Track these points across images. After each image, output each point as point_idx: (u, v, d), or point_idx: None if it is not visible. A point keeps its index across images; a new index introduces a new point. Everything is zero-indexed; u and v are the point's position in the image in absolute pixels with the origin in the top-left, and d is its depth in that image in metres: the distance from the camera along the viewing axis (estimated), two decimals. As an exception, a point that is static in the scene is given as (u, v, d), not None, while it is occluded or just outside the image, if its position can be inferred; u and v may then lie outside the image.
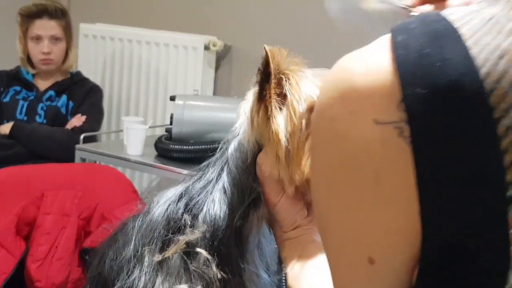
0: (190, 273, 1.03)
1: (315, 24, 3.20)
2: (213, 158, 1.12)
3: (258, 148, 1.06)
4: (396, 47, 0.56)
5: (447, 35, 0.54)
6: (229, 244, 1.03)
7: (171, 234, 1.04)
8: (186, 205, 1.05)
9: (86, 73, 3.40)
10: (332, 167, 0.61)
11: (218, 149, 1.15)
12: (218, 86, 3.43)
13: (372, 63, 0.58)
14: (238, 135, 1.09)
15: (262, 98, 1.06)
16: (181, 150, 2.75)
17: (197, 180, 1.09)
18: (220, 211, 1.04)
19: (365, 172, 0.58)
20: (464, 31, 0.54)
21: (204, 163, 1.13)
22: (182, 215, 1.05)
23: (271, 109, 1.04)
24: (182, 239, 1.02)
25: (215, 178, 1.07)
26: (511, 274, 0.53)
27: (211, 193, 1.06)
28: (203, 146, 2.73)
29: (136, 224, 1.09)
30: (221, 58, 3.42)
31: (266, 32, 3.32)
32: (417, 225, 0.55)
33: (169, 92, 3.38)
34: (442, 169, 0.53)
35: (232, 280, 1.03)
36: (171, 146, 2.78)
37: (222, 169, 1.08)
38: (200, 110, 2.85)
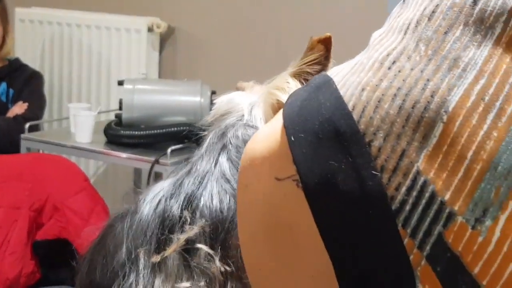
0: (192, 270, 0.98)
1: (258, 3, 3.17)
2: (203, 148, 1.06)
3: None
4: (285, 109, 0.62)
5: (323, 85, 0.61)
6: (235, 235, 0.99)
7: (168, 232, 0.99)
8: (184, 200, 1.00)
9: (24, 60, 3.29)
10: (255, 235, 0.65)
11: (206, 138, 1.08)
12: (163, 68, 3.36)
13: (268, 129, 0.65)
14: (240, 120, 1.04)
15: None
16: (133, 135, 2.70)
17: (188, 173, 1.04)
18: (221, 203, 0.99)
19: (282, 232, 0.62)
20: (336, 79, 0.61)
21: (193, 154, 1.08)
22: (181, 211, 0.99)
23: None
24: (183, 237, 0.97)
25: (212, 168, 1.02)
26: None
27: (207, 185, 1.01)
28: (155, 131, 2.69)
29: (125, 225, 1.03)
30: (165, 40, 3.36)
31: (210, 12, 3.27)
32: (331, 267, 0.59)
33: (113, 76, 3.31)
34: (327, 205, 0.58)
35: (235, 273, 1.00)
36: (122, 132, 2.72)
37: (217, 158, 1.03)
38: (150, 94, 2.80)
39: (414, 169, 0.56)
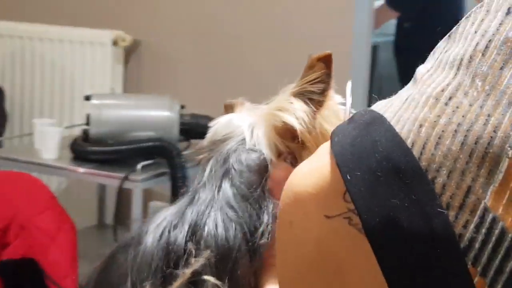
0: None
1: (226, 16, 3.15)
2: (205, 175, 1.02)
3: (265, 157, 0.99)
4: (333, 146, 0.62)
5: (373, 122, 0.61)
6: (244, 264, 0.95)
7: (173, 266, 0.95)
8: (188, 231, 0.96)
9: (-16, 74, 3.21)
10: (298, 272, 0.65)
11: (205, 165, 1.04)
12: (128, 83, 3.31)
13: (315, 166, 0.63)
14: (243, 144, 1.01)
15: (312, 102, 0.99)
16: (101, 151, 2.66)
17: (190, 201, 1.00)
18: (226, 231, 0.95)
19: (329, 270, 0.62)
20: (387, 115, 0.60)
21: (194, 182, 1.03)
22: (185, 243, 0.95)
23: (322, 117, 0.99)
24: (188, 271, 0.93)
25: (215, 196, 0.99)
26: None
27: (211, 213, 0.97)
28: (124, 147, 2.64)
29: (129, 257, 0.98)
30: (130, 53, 3.31)
31: (175, 26, 3.24)
32: None
33: (76, 91, 3.25)
34: (391, 244, 0.57)
35: None
36: (89, 148, 2.66)
37: (220, 185, 0.99)
38: (118, 109, 2.75)
39: (482, 206, 0.56)
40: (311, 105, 0.99)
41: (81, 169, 2.65)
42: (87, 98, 2.73)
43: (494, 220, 0.55)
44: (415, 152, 0.57)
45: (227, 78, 3.13)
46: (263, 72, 3.06)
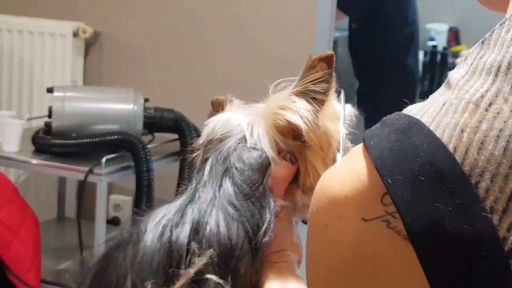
0: None
1: (187, 8, 3.14)
2: (204, 173, 1.02)
3: (267, 156, 1.00)
4: (370, 150, 0.63)
5: (411, 127, 0.62)
6: (247, 262, 0.95)
7: (176, 265, 0.94)
8: (190, 230, 0.96)
9: None
10: (330, 274, 0.66)
11: (203, 164, 1.03)
12: (88, 74, 3.28)
13: (350, 169, 0.64)
14: (243, 143, 1.01)
15: (315, 101, 1.00)
16: (64, 144, 2.63)
17: (191, 200, 0.99)
18: (228, 230, 0.95)
19: (364, 272, 0.63)
20: (425, 120, 0.62)
21: (193, 179, 1.03)
22: (188, 242, 0.95)
23: (325, 116, 1.00)
24: (192, 271, 0.93)
25: (216, 194, 0.98)
26: None
27: (213, 212, 0.97)
28: (87, 140, 2.62)
29: (128, 256, 0.97)
30: (91, 45, 3.27)
31: (136, 17, 3.22)
32: None
33: (36, 83, 3.21)
34: (435, 247, 0.59)
35: None
36: (52, 140, 2.63)
37: (221, 184, 0.99)
38: (82, 102, 2.73)
39: None
40: (314, 104, 0.99)
41: (44, 162, 2.62)
42: (50, 90, 2.70)
43: None
44: (458, 157, 0.58)
45: (190, 71, 3.13)
46: (226, 65, 3.06)
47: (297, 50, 2.92)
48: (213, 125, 1.05)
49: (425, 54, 5.08)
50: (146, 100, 2.76)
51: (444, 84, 0.66)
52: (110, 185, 3.07)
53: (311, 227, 0.68)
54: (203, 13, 3.12)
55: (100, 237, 2.54)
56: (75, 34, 3.16)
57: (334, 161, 1.00)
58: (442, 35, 5.25)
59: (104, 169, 2.54)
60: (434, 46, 5.13)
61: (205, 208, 0.97)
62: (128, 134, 2.60)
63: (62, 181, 3.22)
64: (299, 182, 1.01)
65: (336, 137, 1.00)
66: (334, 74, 1.01)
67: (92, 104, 2.73)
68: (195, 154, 1.06)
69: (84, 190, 2.64)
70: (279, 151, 1.00)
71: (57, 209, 3.27)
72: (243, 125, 1.02)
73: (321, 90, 1.00)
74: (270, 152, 1.00)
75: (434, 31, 5.24)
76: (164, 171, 2.77)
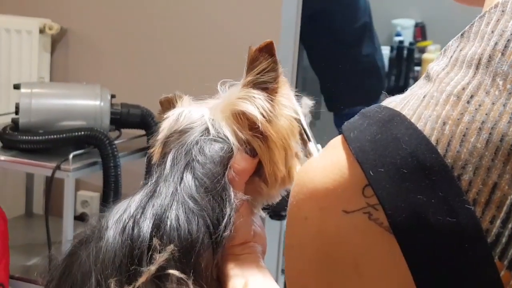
0: None
1: (153, 5, 3.14)
2: (165, 167, 1.01)
3: (230, 149, 0.99)
4: (350, 143, 0.62)
5: (392, 119, 0.62)
6: (208, 257, 0.95)
7: (137, 263, 0.93)
8: (151, 226, 0.95)
9: None
10: (311, 267, 0.65)
11: (164, 157, 1.02)
12: (55, 71, 3.28)
13: (331, 161, 0.64)
14: (205, 135, 1.00)
15: (268, 91, 1.00)
16: (31, 140, 2.62)
17: (152, 194, 0.98)
18: (189, 224, 0.95)
19: (345, 265, 0.63)
20: (406, 112, 0.62)
21: (154, 174, 1.02)
22: (150, 238, 0.94)
23: (280, 104, 1.00)
24: (153, 268, 0.92)
25: (177, 188, 0.98)
26: None
27: (173, 206, 0.96)
28: (54, 136, 2.62)
29: (91, 253, 0.96)
30: (57, 41, 3.27)
31: (103, 14, 3.22)
32: None
33: (2, 79, 3.19)
34: (418, 239, 0.59)
35: None
36: (19, 137, 2.63)
37: (182, 177, 0.98)
38: (49, 98, 2.72)
39: (508, 202, 0.57)
40: (268, 94, 0.99)
41: (11, 159, 2.62)
42: (16, 87, 2.70)
43: None
44: (440, 149, 0.58)
45: (157, 67, 3.14)
46: (193, 61, 3.07)
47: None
48: (172, 119, 1.04)
49: (392, 49, 5.11)
50: (112, 96, 2.76)
51: (423, 76, 0.65)
52: (78, 181, 3.07)
53: (291, 220, 0.67)
54: (169, 10, 3.13)
55: (68, 233, 2.55)
56: (42, 31, 3.16)
57: (305, 152, 1.01)
58: (408, 30, 5.29)
59: (71, 165, 2.54)
60: (401, 42, 5.16)
61: (166, 203, 0.96)
62: (95, 130, 2.61)
63: (29, 178, 3.22)
64: (261, 174, 1.01)
65: (295, 125, 1.01)
66: (278, 60, 1.01)
67: (59, 101, 2.73)
68: (153, 149, 1.07)
69: (52, 186, 2.65)
70: (239, 144, 0.99)
71: (25, 205, 3.26)
72: (205, 117, 1.02)
73: (270, 80, 1.00)
74: (235, 143, 0.99)
75: (401, 27, 5.27)
76: (131, 167, 2.78)
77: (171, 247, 0.93)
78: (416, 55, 4.98)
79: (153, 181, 1.00)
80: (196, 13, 3.08)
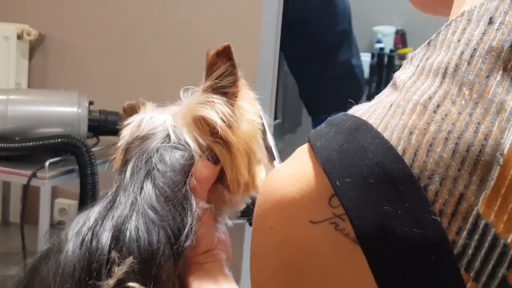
0: None
1: (132, 11, 3.12)
2: (126, 176, 0.98)
3: (191, 156, 0.97)
4: (317, 152, 0.61)
5: (358, 128, 0.61)
6: (169, 268, 0.93)
7: (96, 277, 0.91)
8: (110, 237, 0.92)
9: None
10: (277, 277, 0.64)
11: (125, 166, 1.00)
12: (33, 77, 3.24)
13: (297, 170, 0.63)
14: (166, 142, 0.98)
15: (227, 95, 0.98)
16: (7, 148, 2.58)
17: (111, 204, 0.95)
18: (149, 235, 0.92)
19: (312, 275, 0.62)
20: (372, 121, 0.61)
21: (114, 184, 0.99)
22: (109, 251, 0.91)
23: (241, 108, 0.98)
24: (112, 282, 0.90)
25: (137, 198, 0.95)
26: None
27: (133, 217, 0.93)
28: (31, 143, 2.58)
29: (50, 268, 0.94)
30: (35, 47, 3.24)
31: (82, 20, 3.19)
32: None
33: (-21, 85, 3.15)
34: (384, 251, 0.58)
35: None
36: (-5, 144, 2.59)
37: (142, 187, 0.95)
38: (25, 105, 2.69)
39: (474, 213, 0.57)
40: (227, 99, 0.97)
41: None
42: (-8, 93, 2.67)
43: (486, 227, 0.56)
44: (407, 159, 0.58)
45: (135, 74, 3.11)
46: (171, 69, 3.05)
47: (243, 54, 2.92)
48: (135, 124, 1.02)
49: (372, 56, 5.12)
50: (90, 103, 2.74)
51: (390, 85, 0.65)
52: (56, 189, 3.04)
53: (256, 229, 0.66)
54: (148, 17, 3.11)
55: (44, 242, 2.51)
56: (20, 37, 3.12)
57: (263, 157, 0.99)
58: (389, 37, 5.31)
59: (47, 173, 2.51)
60: (381, 49, 5.18)
61: (126, 214, 0.94)
62: (72, 137, 2.58)
63: (6, 186, 3.18)
64: (224, 181, 0.99)
65: (258, 129, 0.99)
66: (236, 64, 0.99)
67: (36, 107, 2.70)
68: (113, 156, 1.04)
69: (28, 194, 2.61)
70: (201, 150, 0.98)
71: (1, 214, 3.22)
72: (167, 123, 1.00)
73: (228, 84, 0.98)
74: (197, 150, 0.97)
75: (381, 34, 5.29)
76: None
77: (130, 259, 0.91)
78: (397, 62, 5.00)
79: (113, 191, 0.98)
80: (176, 19, 3.06)
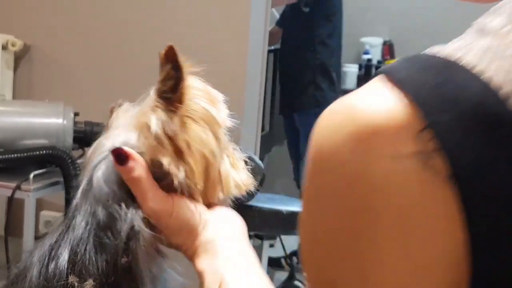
0: None
1: (117, 22, 3.10)
2: (77, 196, 0.96)
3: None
4: (403, 83, 0.57)
5: (450, 67, 0.57)
6: (128, 281, 0.91)
7: None
8: (68, 262, 0.90)
9: None
10: (345, 218, 0.58)
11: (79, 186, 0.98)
12: (18, 88, 3.21)
13: (378, 99, 0.58)
14: (106, 159, 0.95)
15: (170, 102, 0.93)
16: (-9, 160, 2.55)
17: (68, 228, 0.93)
18: (105, 254, 0.90)
19: (387, 216, 0.56)
20: (466, 62, 0.57)
21: (71, 205, 0.97)
22: (67, 275, 0.89)
23: (191, 115, 0.93)
24: None
25: (89, 219, 0.92)
26: None
27: (89, 239, 0.91)
28: (15, 155, 2.55)
29: None
30: (20, 58, 3.21)
31: (67, 31, 3.17)
32: (462, 254, 0.55)
33: (-37, 96, 3.12)
34: (482, 193, 0.54)
35: None
36: (-21, 156, 2.56)
37: (94, 208, 0.93)
38: (9, 116, 2.66)
39: None
40: (168, 104, 0.93)
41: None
42: (-24, 104, 2.64)
43: None
44: (510, 106, 0.54)
45: (120, 85, 3.09)
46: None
47: (231, 61, 2.91)
48: (93, 146, 1.00)
49: (360, 67, 5.13)
50: (76, 114, 2.71)
51: (474, 31, 0.60)
52: (41, 201, 3.00)
53: (317, 168, 0.60)
54: (134, 28, 3.09)
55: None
56: (4, 47, 3.10)
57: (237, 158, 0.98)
58: (376, 48, 5.32)
59: (32, 185, 2.48)
60: (369, 60, 5.19)
61: (80, 236, 0.91)
62: (57, 149, 2.55)
63: (-10, 198, 3.15)
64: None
65: (211, 134, 0.95)
66: (180, 65, 0.94)
67: (21, 119, 2.67)
68: (79, 178, 1.02)
69: (12, 206, 2.58)
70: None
71: (-14, 226, 3.19)
72: (112, 136, 0.97)
73: (168, 90, 0.94)
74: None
75: (369, 45, 5.30)
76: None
77: (89, 282, 0.89)
78: (384, 73, 5.01)
79: (70, 213, 0.95)
80: (163, 31, 3.04)
